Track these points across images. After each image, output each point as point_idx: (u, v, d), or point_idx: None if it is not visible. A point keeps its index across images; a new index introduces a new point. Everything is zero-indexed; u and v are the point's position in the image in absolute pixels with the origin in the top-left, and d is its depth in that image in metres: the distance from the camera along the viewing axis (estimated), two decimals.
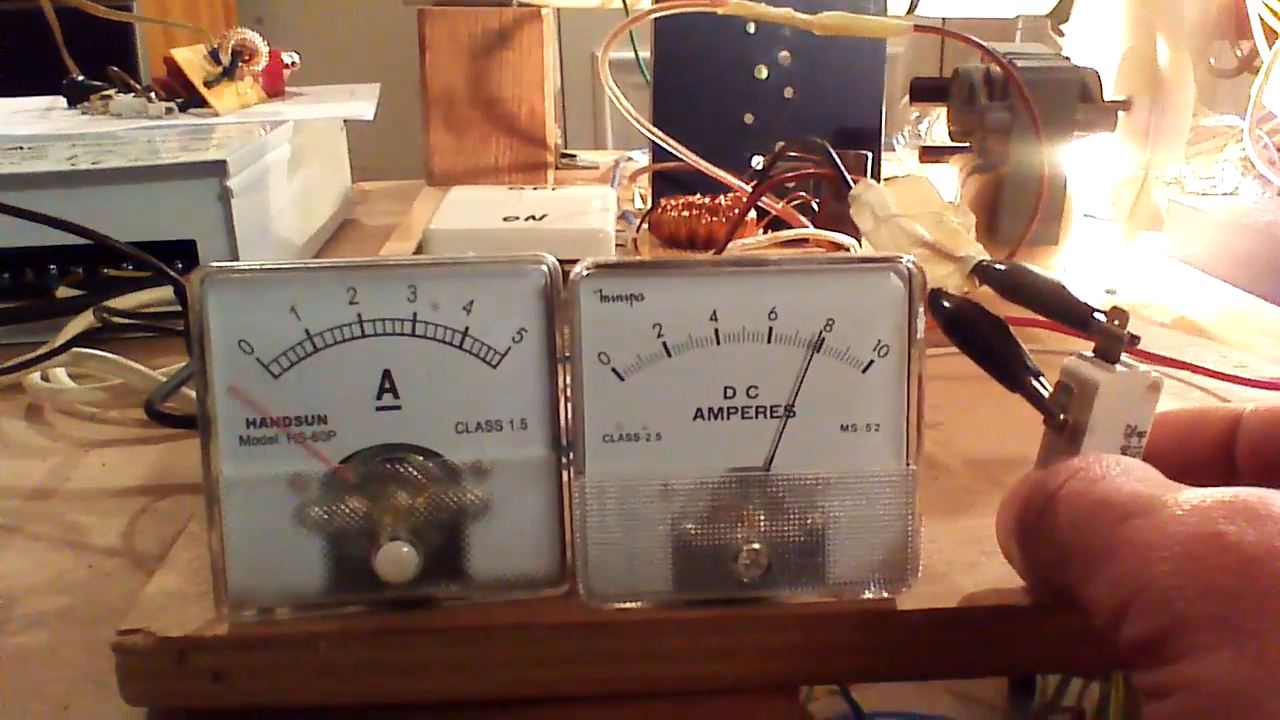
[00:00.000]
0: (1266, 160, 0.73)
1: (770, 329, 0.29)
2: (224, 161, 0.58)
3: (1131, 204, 0.64)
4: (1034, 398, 0.31)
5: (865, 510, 0.30)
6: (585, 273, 0.29)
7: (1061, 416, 0.30)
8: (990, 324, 0.32)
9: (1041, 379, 0.31)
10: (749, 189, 0.66)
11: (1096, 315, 0.31)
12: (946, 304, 0.33)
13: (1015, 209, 0.60)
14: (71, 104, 0.89)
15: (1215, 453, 0.30)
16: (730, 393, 0.30)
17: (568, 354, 0.29)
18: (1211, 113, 0.82)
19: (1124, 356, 0.30)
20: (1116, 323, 0.30)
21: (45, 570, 0.37)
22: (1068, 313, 0.31)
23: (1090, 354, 0.30)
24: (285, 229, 0.69)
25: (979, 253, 0.36)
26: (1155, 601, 0.23)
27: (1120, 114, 0.63)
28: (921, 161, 0.69)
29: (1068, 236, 0.63)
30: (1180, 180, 0.76)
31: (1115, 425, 0.30)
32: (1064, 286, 0.32)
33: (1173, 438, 0.31)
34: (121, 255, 0.56)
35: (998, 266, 0.35)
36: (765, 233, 0.65)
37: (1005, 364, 0.32)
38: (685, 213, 0.67)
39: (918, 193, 0.39)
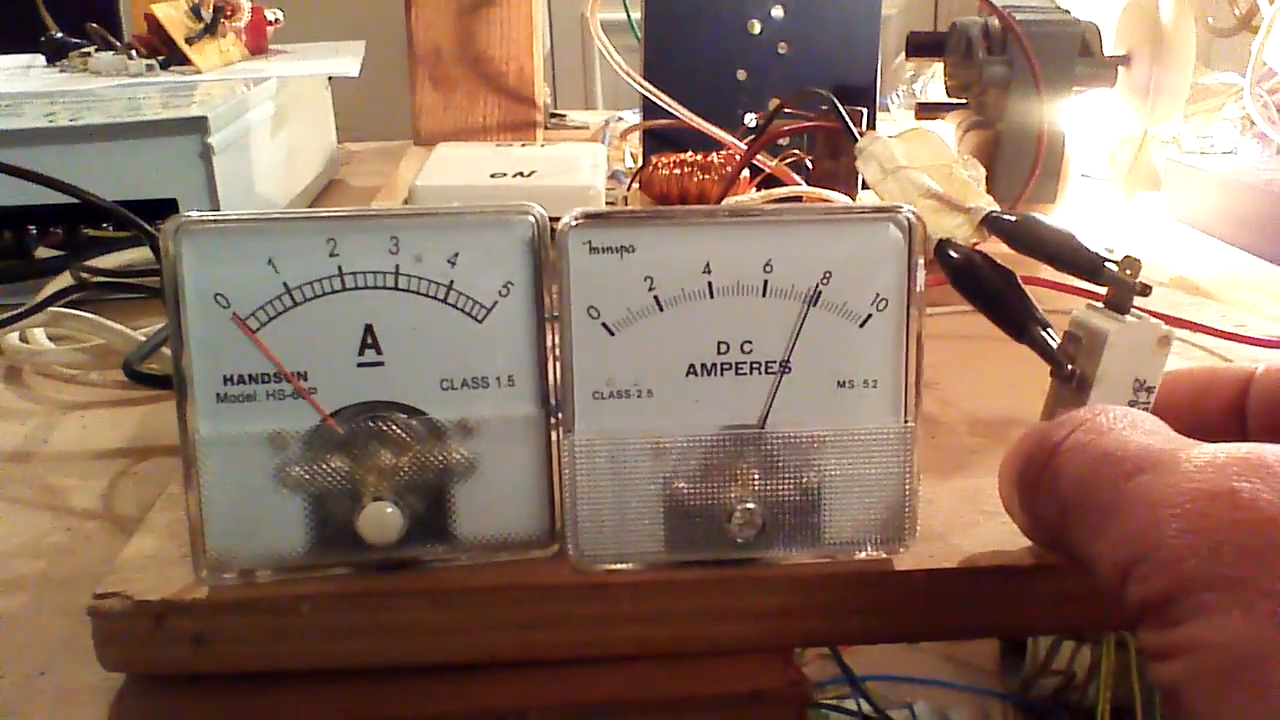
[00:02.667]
0: (1267, 118, 0.72)
1: (765, 282, 0.28)
2: (205, 118, 0.57)
3: (1130, 162, 0.64)
4: (1042, 348, 0.30)
5: (862, 469, 0.29)
6: (574, 223, 0.28)
7: (1069, 367, 0.30)
8: (998, 275, 0.32)
9: (1050, 330, 0.31)
10: (743, 146, 0.64)
11: (1108, 264, 0.30)
12: (954, 254, 0.32)
13: (1013, 165, 0.59)
14: (50, 61, 0.87)
15: (1227, 413, 0.30)
16: (724, 348, 0.29)
17: (556, 312, 0.28)
18: (1209, 71, 0.81)
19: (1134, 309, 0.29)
20: (1129, 272, 0.29)
21: (23, 533, 0.36)
22: (1079, 262, 0.31)
23: (1100, 304, 0.30)
24: (269, 188, 0.68)
25: (989, 204, 0.35)
26: (1164, 560, 0.22)
27: (1120, 69, 0.61)
28: (918, 118, 0.68)
29: (1065, 194, 0.62)
30: (1178, 139, 0.75)
31: (1124, 377, 0.29)
32: (1075, 236, 0.31)
33: (1185, 398, 0.30)
34: (102, 213, 0.55)
35: (1008, 217, 0.34)
36: (758, 191, 0.64)
37: (1013, 315, 0.31)
38: (676, 170, 0.65)
39: (927, 146, 0.38)
